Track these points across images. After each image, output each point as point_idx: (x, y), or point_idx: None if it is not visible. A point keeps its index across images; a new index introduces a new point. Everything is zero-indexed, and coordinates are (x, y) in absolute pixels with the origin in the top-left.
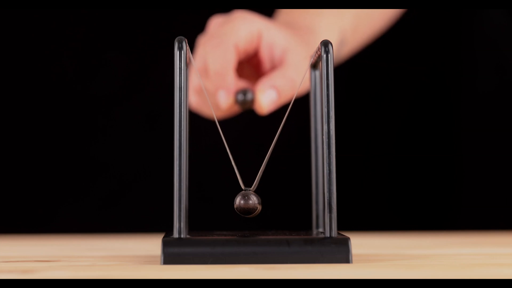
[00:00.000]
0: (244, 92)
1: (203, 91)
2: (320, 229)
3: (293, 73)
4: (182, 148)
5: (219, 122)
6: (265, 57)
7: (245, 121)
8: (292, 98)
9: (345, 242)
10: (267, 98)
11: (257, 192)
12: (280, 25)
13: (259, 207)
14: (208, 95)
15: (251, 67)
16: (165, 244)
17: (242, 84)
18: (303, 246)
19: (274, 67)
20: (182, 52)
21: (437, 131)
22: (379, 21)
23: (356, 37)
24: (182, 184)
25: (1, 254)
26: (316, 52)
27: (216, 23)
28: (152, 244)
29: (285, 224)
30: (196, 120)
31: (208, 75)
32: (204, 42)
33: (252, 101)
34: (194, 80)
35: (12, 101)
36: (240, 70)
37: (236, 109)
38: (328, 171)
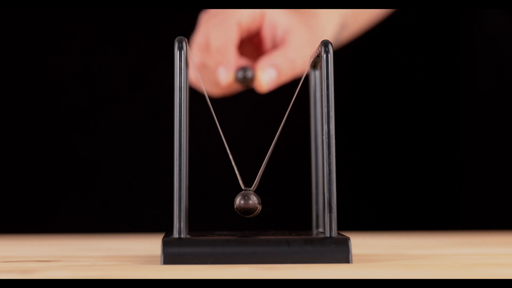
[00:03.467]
0: (244, 69)
1: (203, 67)
2: (320, 229)
3: (293, 54)
4: (182, 148)
5: (219, 121)
6: (267, 37)
7: (245, 120)
8: (291, 79)
9: (345, 242)
10: (267, 76)
11: (257, 192)
12: (283, 11)
13: (259, 207)
14: (209, 71)
15: (252, 46)
16: (165, 244)
17: (242, 62)
18: (303, 246)
19: (275, 46)
20: (182, 52)
21: (437, 131)
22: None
23: (357, 21)
24: (182, 184)
25: (1, 254)
26: (316, 51)
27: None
28: (152, 244)
29: (285, 224)
30: (197, 120)
31: (209, 51)
32: (206, 19)
33: (252, 79)
34: (195, 56)
35: (12, 102)
36: (241, 49)
37: (235, 87)
38: (328, 171)
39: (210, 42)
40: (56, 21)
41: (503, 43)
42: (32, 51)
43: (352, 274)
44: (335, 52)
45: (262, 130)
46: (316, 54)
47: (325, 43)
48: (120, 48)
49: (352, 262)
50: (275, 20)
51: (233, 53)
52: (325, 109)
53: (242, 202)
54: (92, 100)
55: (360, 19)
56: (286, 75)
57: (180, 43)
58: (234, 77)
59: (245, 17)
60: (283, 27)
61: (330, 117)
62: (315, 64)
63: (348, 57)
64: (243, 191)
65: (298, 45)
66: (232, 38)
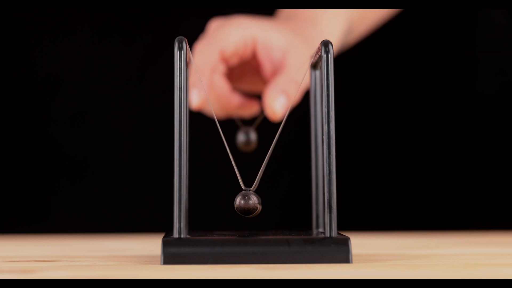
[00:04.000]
0: (246, 132)
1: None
2: (320, 229)
3: (296, 74)
4: (182, 148)
5: (219, 122)
6: (264, 61)
7: (245, 121)
8: (297, 99)
9: (345, 242)
10: (279, 104)
11: (257, 192)
12: (279, 25)
13: (259, 207)
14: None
15: (252, 69)
16: (165, 244)
17: (237, 98)
18: (303, 246)
19: (275, 69)
20: (182, 52)
21: (437, 131)
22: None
23: (363, 24)
24: (182, 184)
25: (1, 254)
26: (316, 52)
27: (213, 27)
28: (152, 244)
29: (285, 224)
30: (196, 120)
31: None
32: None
33: (255, 142)
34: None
35: (11, 102)
36: (242, 73)
37: (238, 112)
38: (328, 171)
39: (191, 63)
40: (57, 21)
41: (504, 44)
42: (32, 51)
43: (352, 274)
44: (340, 55)
45: (262, 130)
46: (317, 55)
47: (325, 43)
48: (120, 48)
49: (352, 262)
50: (269, 42)
51: (208, 77)
52: (325, 109)
53: (242, 202)
54: (92, 100)
55: (366, 21)
56: (295, 97)
57: (180, 43)
58: (236, 141)
59: (232, 44)
60: (279, 48)
61: (330, 117)
62: (315, 64)
63: (348, 57)
64: (243, 191)
65: (298, 64)
66: (210, 62)
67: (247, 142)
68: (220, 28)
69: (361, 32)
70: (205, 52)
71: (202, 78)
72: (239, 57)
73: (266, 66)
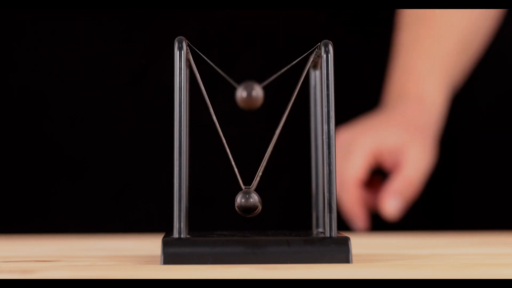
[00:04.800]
0: (247, 87)
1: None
2: (320, 229)
3: (411, 171)
4: (182, 148)
5: (218, 121)
6: (385, 165)
7: (245, 120)
8: (414, 195)
9: (345, 242)
10: (390, 207)
11: (257, 191)
12: (391, 121)
13: (260, 207)
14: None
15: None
16: (165, 244)
17: (371, 199)
18: (303, 246)
19: (394, 168)
20: (182, 52)
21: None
22: (477, 46)
23: (459, 67)
24: (182, 184)
25: (1, 254)
26: (317, 51)
27: (341, 142)
28: (152, 244)
29: (285, 224)
30: (196, 120)
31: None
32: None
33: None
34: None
35: (11, 102)
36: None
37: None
38: (328, 171)
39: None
40: (57, 21)
41: (504, 46)
42: (32, 52)
43: (352, 274)
44: (338, 53)
45: (262, 129)
46: (317, 55)
47: (325, 43)
48: (120, 48)
49: (352, 262)
50: (388, 147)
51: (358, 208)
52: (325, 109)
53: (242, 201)
54: (92, 100)
55: (462, 66)
56: (410, 195)
57: (180, 43)
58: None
59: (361, 169)
60: (396, 150)
61: (330, 117)
62: (315, 64)
63: (348, 58)
64: (244, 190)
65: (413, 160)
66: (353, 197)
67: (248, 99)
68: (345, 158)
69: (460, 77)
70: (348, 192)
71: (355, 212)
72: (369, 168)
73: (387, 167)
